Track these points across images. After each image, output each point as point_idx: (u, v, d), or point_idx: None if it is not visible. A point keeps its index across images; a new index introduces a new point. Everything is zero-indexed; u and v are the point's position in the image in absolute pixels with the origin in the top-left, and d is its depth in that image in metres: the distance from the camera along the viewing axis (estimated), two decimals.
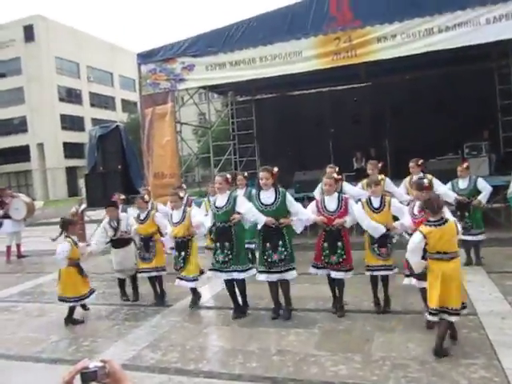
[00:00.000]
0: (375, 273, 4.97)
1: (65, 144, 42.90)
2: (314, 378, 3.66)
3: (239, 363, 4.04)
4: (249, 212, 4.97)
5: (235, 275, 5.11)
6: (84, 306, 5.84)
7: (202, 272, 5.66)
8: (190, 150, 14.40)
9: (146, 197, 6.32)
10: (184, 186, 8.95)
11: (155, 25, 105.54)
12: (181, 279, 5.56)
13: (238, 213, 5.03)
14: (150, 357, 4.33)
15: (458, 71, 12.07)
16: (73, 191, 38.83)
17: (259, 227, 5.02)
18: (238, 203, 5.06)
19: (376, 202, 4.95)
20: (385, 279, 4.97)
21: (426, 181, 4.58)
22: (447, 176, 9.41)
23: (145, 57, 11.50)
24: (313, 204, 5.09)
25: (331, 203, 4.94)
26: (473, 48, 9.17)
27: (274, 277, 4.94)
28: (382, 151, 12.78)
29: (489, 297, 5.16)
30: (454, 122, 11.97)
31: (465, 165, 6.95)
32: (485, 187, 6.80)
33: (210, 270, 5.24)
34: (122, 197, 7.71)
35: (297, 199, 10.74)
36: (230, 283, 5.22)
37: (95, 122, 39.94)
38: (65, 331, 5.33)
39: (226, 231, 5.09)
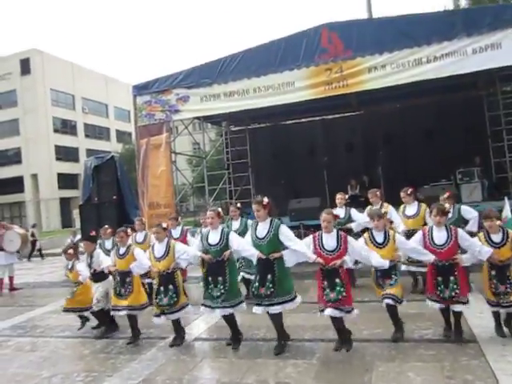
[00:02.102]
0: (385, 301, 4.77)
1: (59, 175, 42.85)
2: None
3: None
4: (241, 248, 4.97)
5: (229, 310, 5.06)
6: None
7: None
8: (185, 180, 14.45)
9: (129, 230, 6.18)
10: (179, 216, 8.89)
11: (149, 57, 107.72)
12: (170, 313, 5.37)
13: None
14: None
15: (448, 99, 12.36)
16: (66, 222, 38.55)
17: (254, 261, 4.96)
18: (231, 240, 5.01)
19: (379, 237, 4.83)
20: (389, 308, 4.80)
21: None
22: None
23: (140, 88, 11.70)
24: (309, 239, 4.79)
25: (330, 241, 4.63)
26: (462, 77, 9.43)
27: (260, 309, 4.85)
28: (375, 178, 12.90)
29: (488, 323, 5.11)
30: (446, 149, 12.16)
31: (446, 194, 6.68)
32: (470, 213, 6.63)
33: (203, 305, 5.17)
34: (109, 230, 7.59)
35: (292, 227, 10.77)
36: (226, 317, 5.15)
37: (90, 152, 40.06)
38: (58, 366, 5.19)
39: (219, 266, 5.03)
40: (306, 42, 9.93)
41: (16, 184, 41.58)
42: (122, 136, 48.34)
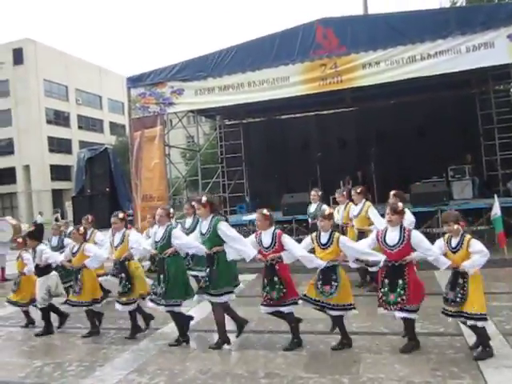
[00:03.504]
0: (311, 306, 4.72)
1: (51, 166, 42.63)
2: None
3: None
4: (184, 245, 5.15)
5: (168, 308, 5.16)
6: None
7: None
8: (179, 173, 14.45)
9: (81, 229, 6.12)
10: (171, 209, 8.89)
11: (144, 48, 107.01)
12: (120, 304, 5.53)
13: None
14: (138, 381, 4.28)
15: (441, 97, 12.45)
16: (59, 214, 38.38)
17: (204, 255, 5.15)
18: (173, 237, 5.14)
19: (324, 238, 4.72)
20: (335, 319, 4.72)
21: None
22: (432, 198, 9.64)
23: (134, 81, 11.66)
24: (252, 236, 5.00)
25: (266, 238, 4.82)
26: (455, 75, 9.50)
27: (205, 297, 5.00)
28: (368, 174, 12.98)
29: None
30: (438, 146, 12.27)
31: (392, 192, 6.71)
32: (408, 217, 6.30)
33: (150, 300, 5.30)
34: (90, 219, 7.69)
35: (285, 222, 10.83)
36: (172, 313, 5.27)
37: (83, 144, 39.90)
38: (49, 356, 5.23)
39: (161, 263, 5.19)
40: (301, 37, 9.94)
41: (8, 175, 41.30)
42: (115, 128, 48.12)
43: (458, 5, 19.70)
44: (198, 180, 13.76)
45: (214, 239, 4.93)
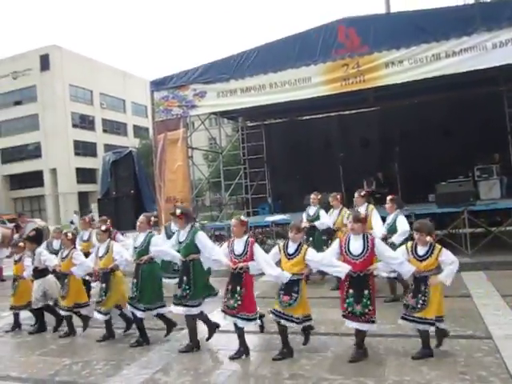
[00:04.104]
0: (277, 319, 4.60)
1: (77, 169, 43.57)
2: None
3: None
4: (161, 252, 5.32)
5: (139, 314, 5.38)
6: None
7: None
8: (201, 175, 14.56)
9: (69, 234, 6.25)
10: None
11: (166, 52, 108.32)
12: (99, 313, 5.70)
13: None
14: (164, 380, 4.34)
15: (467, 95, 12.16)
16: (84, 216, 39.13)
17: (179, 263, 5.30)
18: (152, 244, 5.41)
19: (292, 248, 4.66)
20: (280, 329, 4.64)
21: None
22: (458, 199, 9.43)
23: (158, 84, 11.81)
24: (225, 245, 4.99)
25: (238, 246, 4.76)
26: (481, 72, 9.29)
27: (180, 310, 5.06)
28: (391, 175, 12.81)
29: (504, 320, 5.10)
30: (464, 145, 12.01)
31: (389, 197, 6.76)
32: (403, 225, 6.42)
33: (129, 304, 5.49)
34: (86, 219, 8.05)
35: None
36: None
37: (107, 147, 40.61)
38: (77, 354, 5.35)
39: (137, 269, 5.45)
40: (323, 38, 9.88)
41: (36, 178, 42.43)
42: (139, 131, 48.86)
43: (482, 0, 19.26)
44: (221, 181, 13.83)
45: (190, 247, 5.04)
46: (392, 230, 6.58)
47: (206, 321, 5.25)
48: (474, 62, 8.83)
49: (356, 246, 4.42)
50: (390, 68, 9.36)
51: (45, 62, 42.41)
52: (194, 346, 5.10)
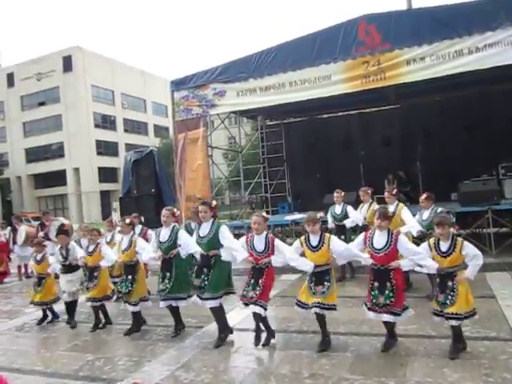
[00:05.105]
0: (320, 310, 4.65)
1: (99, 168, 44.28)
2: None
3: None
4: (186, 245, 5.37)
5: (173, 302, 5.54)
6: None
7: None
8: (221, 174, 14.62)
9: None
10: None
11: (186, 51, 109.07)
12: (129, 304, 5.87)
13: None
14: (184, 377, 4.38)
15: (490, 91, 11.92)
16: (106, 214, 39.76)
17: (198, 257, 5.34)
18: (179, 238, 5.46)
19: (314, 241, 4.74)
20: (318, 316, 4.71)
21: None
22: (482, 197, 9.24)
23: (178, 84, 11.91)
24: (242, 240, 5.05)
25: (259, 243, 4.87)
26: (505, 68, 9.07)
27: (198, 301, 5.20)
28: (413, 173, 12.64)
29: None
30: (488, 143, 11.77)
31: (424, 196, 6.67)
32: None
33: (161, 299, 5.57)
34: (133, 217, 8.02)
35: (326, 221, 10.70)
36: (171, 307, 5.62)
37: (128, 147, 41.13)
38: (100, 351, 5.45)
39: (167, 262, 5.50)
40: (343, 35, 9.80)
41: (59, 177, 43.27)
42: (159, 130, 49.36)
43: None
44: (240, 180, 13.88)
45: (213, 242, 5.12)
46: (429, 225, 6.38)
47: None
48: (499, 57, 8.63)
49: (379, 240, 4.52)
50: (411, 65, 9.22)
51: (67, 63, 43.18)
52: (225, 336, 5.21)
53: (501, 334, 4.82)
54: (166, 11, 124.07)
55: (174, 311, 5.69)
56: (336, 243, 4.76)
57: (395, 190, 7.34)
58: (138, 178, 12.71)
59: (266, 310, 4.87)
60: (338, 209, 8.26)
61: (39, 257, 6.74)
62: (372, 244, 4.56)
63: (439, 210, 6.46)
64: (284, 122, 15.65)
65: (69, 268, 6.48)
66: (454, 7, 9.24)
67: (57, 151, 44.47)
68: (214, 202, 5.37)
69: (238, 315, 6.28)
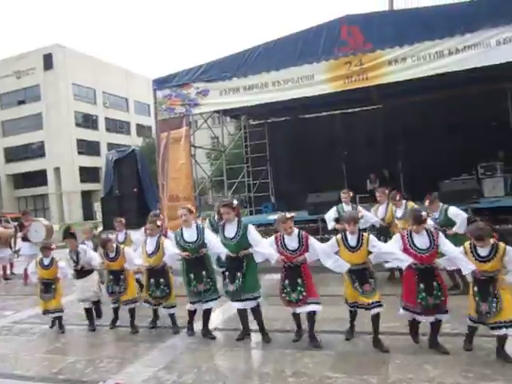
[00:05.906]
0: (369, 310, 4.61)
1: (81, 168, 43.68)
2: None
3: None
4: (213, 245, 5.24)
5: (211, 304, 5.41)
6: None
7: None
8: (204, 173, 14.57)
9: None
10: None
11: (168, 50, 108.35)
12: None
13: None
14: (166, 378, 4.34)
15: (470, 92, 12.12)
16: (88, 215, 39.30)
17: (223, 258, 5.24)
18: (206, 237, 5.29)
19: (353, 241, 4.67)
20: (377, 317, 4.62)
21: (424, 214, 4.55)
22: (462, 196, 9.41)
23: (160, 82, 11.81)
24: (272, 239, 4.96)
25: (292, 242, 4.82)
26: (484, 69, 9.24)
27: (237, 304, 5.14)
28: (395, 173, 12.79)
29: None
30: (468, 143, 11.98)
31: (427, 202, 6.69)
32: (458, 215, 6.47)
33: (190, 302, 5.47)
34: (122, 220, 7.86)
35: (311, 221, 10.77)
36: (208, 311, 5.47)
37: (110, 146, 40.67)
38: (81, 352, 5.37)
39: (199, 262, 5.32)
40: (326, 35, 9.85)
41: (39, 177, 42.59)
42: (142, 130, 48.90)
43: None
44: (224, 180, 13.84)
45: (243, 243, 5.02)
46: (443, 223, 6.50)
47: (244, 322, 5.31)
48: (478, 59, 8.78)
49: (421, 240, 4.42)
50: (393, 65, 9.33)
51: (48, 62, 42.50)
52: (245, 332, 5.24)
53: (478, 331, 4.88)
54: (148, 10, 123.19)
55: (206, 314, 5.49)
56: (376, 241, 4.74)
57: (398, 197, 7.32)
58: (119, 178, 12.54)
59: (319, 304, 4.81)
60: (346, 209, 7.77)
61: (47, 261, 6.17)
62: (414, 245, 4.43)
63: (450, 208, 6.57)
64: (267, 122, 15.67)
65: (81, 273, 6.16)
66: (435, 9, 9.41)
67: (37, 150, 43.72)
68: (236, 202, 5.20)
69: (221, 315, 6.27)
